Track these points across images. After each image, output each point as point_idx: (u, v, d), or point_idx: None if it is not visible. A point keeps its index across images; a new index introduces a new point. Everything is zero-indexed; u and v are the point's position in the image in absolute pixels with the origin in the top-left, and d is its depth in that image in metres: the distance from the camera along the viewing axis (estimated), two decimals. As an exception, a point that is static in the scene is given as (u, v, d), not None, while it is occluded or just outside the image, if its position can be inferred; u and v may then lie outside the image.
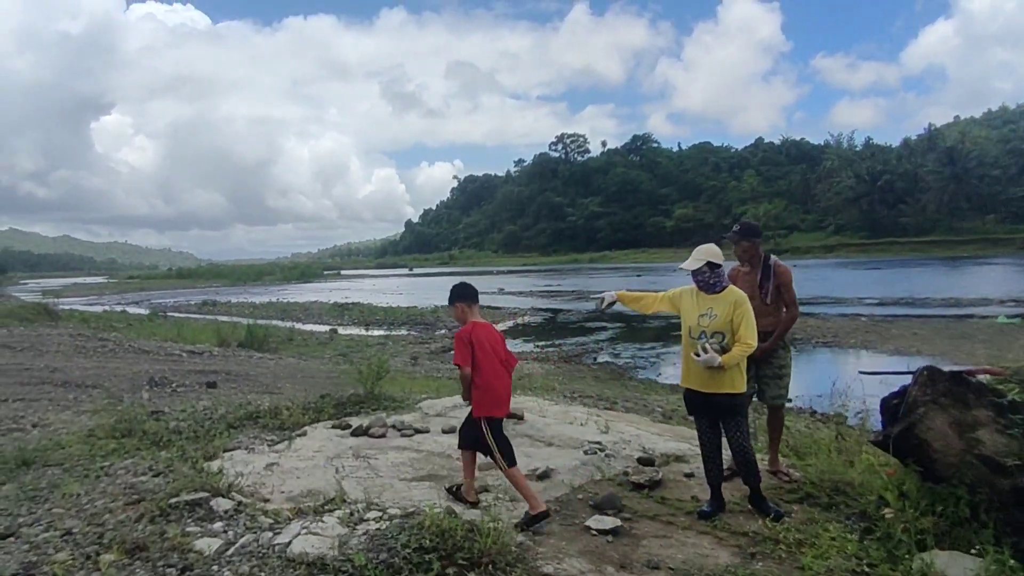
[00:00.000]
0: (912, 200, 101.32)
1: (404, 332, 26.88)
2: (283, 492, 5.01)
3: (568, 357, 19.38)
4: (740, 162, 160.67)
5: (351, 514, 4.44)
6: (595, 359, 19.18)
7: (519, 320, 30.87)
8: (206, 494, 4.72)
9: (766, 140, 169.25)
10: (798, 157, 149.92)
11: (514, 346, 22.44)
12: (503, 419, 4.95)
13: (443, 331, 26.65)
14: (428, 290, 58.85)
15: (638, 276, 69.09)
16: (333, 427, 6.82)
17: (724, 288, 4.82)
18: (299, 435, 6.54)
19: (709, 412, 4.87)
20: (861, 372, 4.71)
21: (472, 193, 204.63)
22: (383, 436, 6.48)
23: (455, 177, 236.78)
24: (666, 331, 25.34)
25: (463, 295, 5.21)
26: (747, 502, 4.93)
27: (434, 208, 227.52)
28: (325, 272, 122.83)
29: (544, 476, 5.42)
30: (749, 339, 4.66)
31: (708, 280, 4.81)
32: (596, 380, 15.66)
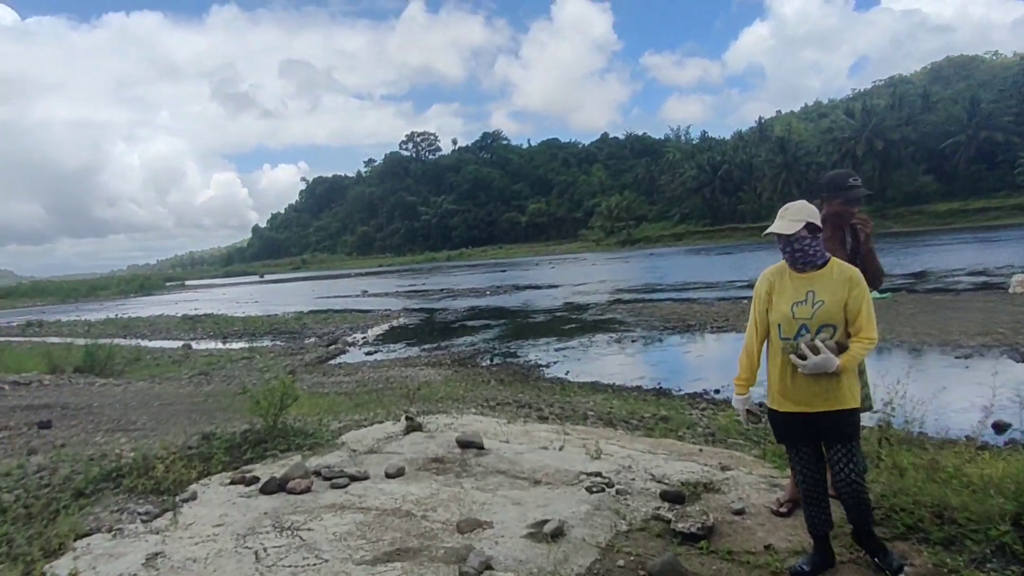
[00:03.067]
0: (749, 188, 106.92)
1: (268, 343, 24.27)
2: (183, 609, 3.21)
3: (461, 360, 17.78)
4: (588, 157, 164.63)
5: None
6: (491, 360, 17.69)
7: (394, 323, 28.87)
8: (54, 634, 2.85)
9: (611, 135, 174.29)
10: (641, 151, 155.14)
11: (398, 351, 20.64)
12: None
13: (312, 339, 24.29)
14: (284, 296, 55.47)
15: (503, 272, 68.38)
16: (232, 482, 4.96)
17: (826, 262, 3.43)
18: (186, 500, 4.65)
19: (814, 438, 3.46)
20: None
21: (322, 195, 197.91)
22: (308, 491, 4.71)
23: (303, 179, 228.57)
24: (555, 324, 24.29)
25: None
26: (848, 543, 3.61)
27: (282, 212, 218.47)
28: (168, 283, 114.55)
29: (558, 534, 3.88)
30: (872, 331, 3.33)
31: (808, 250, 3.38)
32: (501, 384, 14.19)
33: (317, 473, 4.99)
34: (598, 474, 4.83)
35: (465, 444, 5.59)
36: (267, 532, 4.06)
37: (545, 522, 4.00)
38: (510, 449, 5.58)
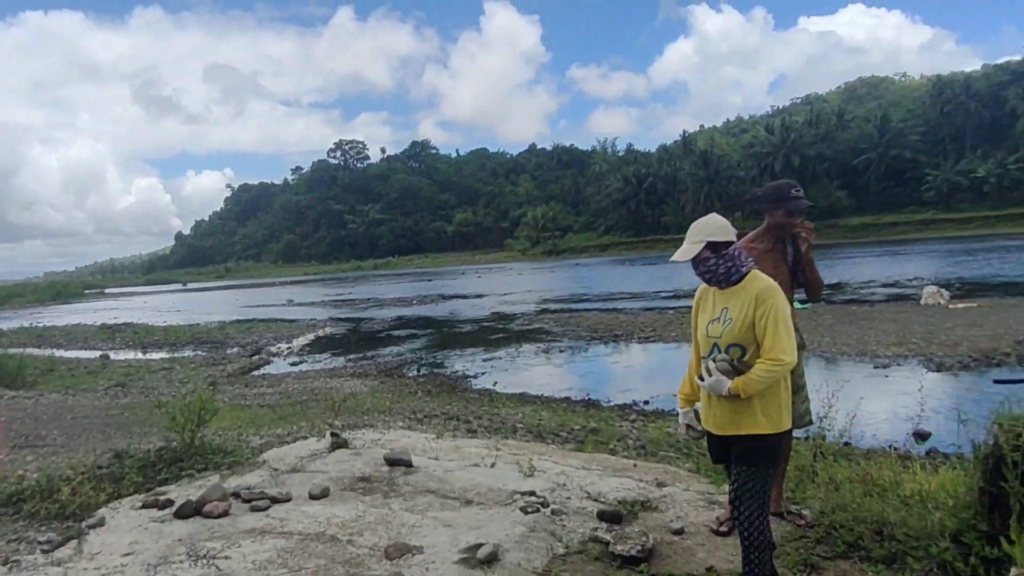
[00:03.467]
0: (672, 200, 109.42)
1: (190, 353, 23.43)
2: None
3: (388, 370, 17.47)
4: (515, 167, 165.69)
5: None
6: (418, 370, 17.45)
7: (319, 332, 28.27)
8: None
9: (539, 146, 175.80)
10: (568, 162, 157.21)
11: (324, 361, 20.17)
12: None
13: (235, 349, 23.56)
14: (207, 305, 53.83)
15: (429, 281, 67.97)
16: (144, 506, 4.64)
17: (742, 276, 3.28)
18: (93, 526, 4.33)
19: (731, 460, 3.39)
20: (996, 381, 3.40)
21: (248, 202, 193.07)
22: (226, 514, 4.44)
23: (228, 186, 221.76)
24: (482, 334, 24.16)
25: None
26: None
27: (207, 219, 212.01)
28: (87, 291, 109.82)
29: (492, 560, 3.74)
30: (779, 351, 3.05)
31: (717, 269, 3.24)
32: (429, 395, 13.98)
33: (236, 495, 4.72)
34: (532, 493, 4.71)
35: (393, 462, 5.39)
36: (181, 561, 3.80)
37: (479, 546, 3.85)
38: (440, 466, 5.41)
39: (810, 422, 4.31)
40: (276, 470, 5.40)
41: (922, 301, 22.20)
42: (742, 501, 3.18)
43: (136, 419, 10.83)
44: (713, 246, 3.24)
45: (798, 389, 4.16)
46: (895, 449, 8.13)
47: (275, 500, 4.67)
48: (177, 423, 5.57)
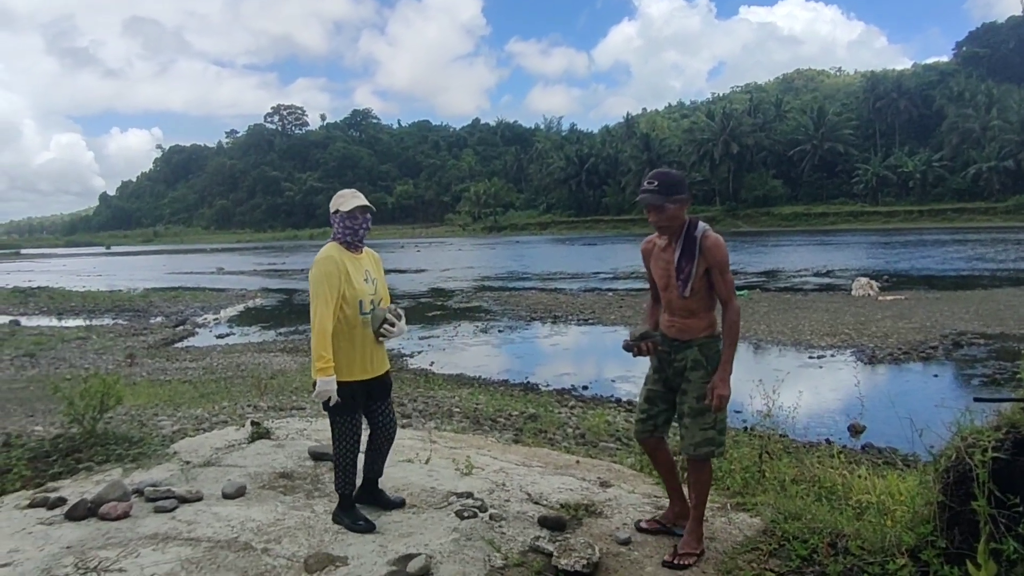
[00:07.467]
0: (613, 182, 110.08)
1: (109, 321, 22.34)
2: None
3: (320, 346, 16.89)
4: (458, 141, 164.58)
5: None
6: (351, 347, 16.93)
7: (250, 303, 27.34)
8: None
9: (482, 121, 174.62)
10: (512, 139, 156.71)
11: (253, 334, 19.43)
12: None
13: (159, 319, 22.56)
14: (132, 270, 51.77)
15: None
16: (31, 505, 4.11)
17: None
18: (-33, 530, 3.81)
19: None
20: (977, 399, 3.14)
21: (178, 165, 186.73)
22: (126, 516, 3.96)
23: (158, 147, 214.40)
24: (420, 311, 23.65)
25: None
26: None
27: (134, 180, 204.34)
28: (0, 251, 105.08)
29: (424, 574, 3.38)
30: None
31: None
32: (362, 374, 13.49)
33: (139, 492, 4.23)
34: (469, 495, 4.35)
35: (319, 456, 4.96)
36: (67, 574, 3.33)
37: (410, 557, 3.48)
38: (370, 461, 5.01)
39: (718, 454, 3.82)
40: (187, 463, 4.90)
41: (853, 292, 22.62)
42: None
43: (42, 394, 10.10)
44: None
45: (703, 412, 3.71)
46: (831, 444, 8.09)
47: (183, 499, 4.19)
48: (75, 409, 5.01)
